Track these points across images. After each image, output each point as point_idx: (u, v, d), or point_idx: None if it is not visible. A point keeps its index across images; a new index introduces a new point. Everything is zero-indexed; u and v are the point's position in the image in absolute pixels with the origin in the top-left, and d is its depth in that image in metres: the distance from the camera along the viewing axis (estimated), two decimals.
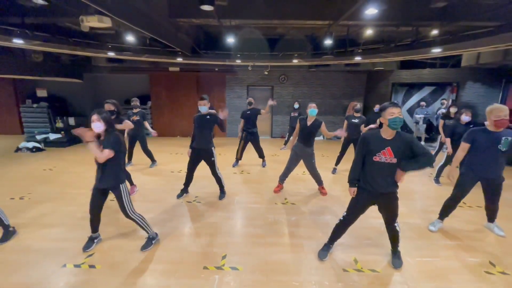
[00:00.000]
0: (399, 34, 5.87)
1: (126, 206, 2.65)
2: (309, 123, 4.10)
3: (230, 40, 5.45)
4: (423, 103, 8.51)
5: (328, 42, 4.87)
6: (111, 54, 6.23)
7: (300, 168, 5.62)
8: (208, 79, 9.58)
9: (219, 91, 9.71)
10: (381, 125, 2.32)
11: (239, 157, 5.93)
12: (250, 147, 5.97)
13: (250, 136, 5.72)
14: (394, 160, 2.25)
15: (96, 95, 9.86)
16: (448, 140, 4.50)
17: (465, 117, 4.41)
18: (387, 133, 2.26)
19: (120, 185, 2.61)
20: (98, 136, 2.50)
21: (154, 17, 4.35)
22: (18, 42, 4.71)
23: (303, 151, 4.22)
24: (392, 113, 2.18)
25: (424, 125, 8.48)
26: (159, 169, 5.77)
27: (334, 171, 5.59)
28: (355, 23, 5.32)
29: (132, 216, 2.70)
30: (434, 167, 5.20)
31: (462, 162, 3.06)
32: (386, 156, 2.25)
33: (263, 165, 5.96)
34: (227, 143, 8.50)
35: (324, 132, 4.13)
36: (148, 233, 2.85)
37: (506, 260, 2.72)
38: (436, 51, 4.73)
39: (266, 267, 2.57)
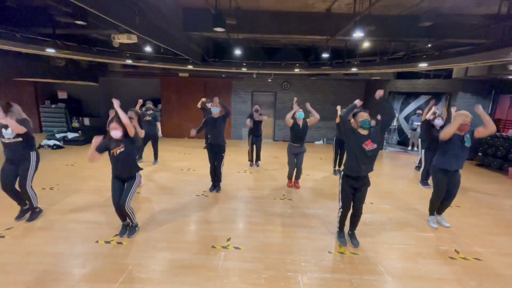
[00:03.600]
0: (394, 47, 6.37)
1: (129, 197, 2.98)
2: (300, 124, 4.69)
3: (237, 51, 6.00)
4: (419, 111, 8.96)
5: (326, 55, 5.38)
6: (128, 61, 6.83)
7: None
8: (215, 84, 10.16)
9: (225, 96, 10.28)
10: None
11: (250, 159, 6.50)
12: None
13: (256, 139, 6.29)
14: (375, 146, 2.83)
15: (110, 98, 10.46)
16: (419, 140, 5.14)
17: (438, 121, 4.95)
18: (362, 132, 2.86)
19: (136, 174, 3.07)
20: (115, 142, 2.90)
21: (170, 31, 4.92)
22: (50, 51, 5.32)
23: (299, 150, 4.81)
24: (362, 116, 2.81)
25: (420, 132, 8.91)
26: (170, 166, 6.31)
27: (335, 172, 6.04)
28: (350, 38, 5.84)
29: (128, 209, 3.00)
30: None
31: (431, 164, 3.59)
32: (368, 146, 2.82)
33: (257, 165, 6.51)
34: (232, 144, 9.03)
35: (312, 121, 4.75)
36: (133, 222, 3.20)
37: (469, 249, 3.18)
38: (423, 65, 5.22)
39: (263, 247, 3.07)
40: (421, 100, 9.46)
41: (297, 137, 4.77)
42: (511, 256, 3.08)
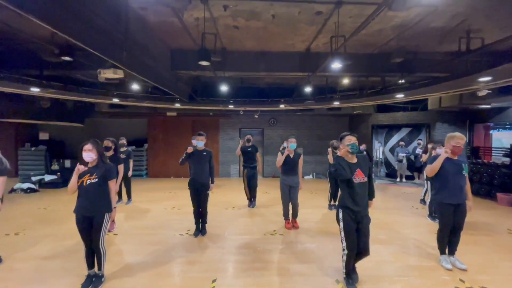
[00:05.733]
0: (371, 83, 6.82)
1: (102, 235, 2.65)
2: (291, 155, 4.55)
3: (224, 88, 6.21)
4: (402, 142, 9.25)
5: (308, 89, 5.63)
6: (115, 100, 6.89)
7: None
8: (203, 122, 10.28)
9: (213, 134, 10.34)
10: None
11: (249, 197, 5.92)
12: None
13: (251, 171, 5.82)
14: (365, 179, 2.65)
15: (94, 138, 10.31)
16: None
17: (439, 150, 4.91)
18: (350, 158, 2.67)
19: (106, 213, 2.68)
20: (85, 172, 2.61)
21: (158, 69, 5.08)
22: (35, 90, 5.30)
23: (293, 181, 4.53)
24: (350, 139, 2.65)
25: (406, 163, 9.07)
26: (153, 206, 5.94)
27: (330, 207, 5.75)
28: (330, 74, 6.23)
29: (102, 247, 2.67)
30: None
31: (434, 195, 3.29)
32: (359, 177, 2.62)
33: (253, 206, 5.92)
34: (221, 184, 8.76)
35: (300, 164, 4.59)
36: (102, 269, 2.74)
37: (475, 277, 2.95)
38: (400, 96, 5.53)
39: (254, 287, 2.73)
40: (403, 132, 9.83)
41: (289, 169, 4.56)
42: None
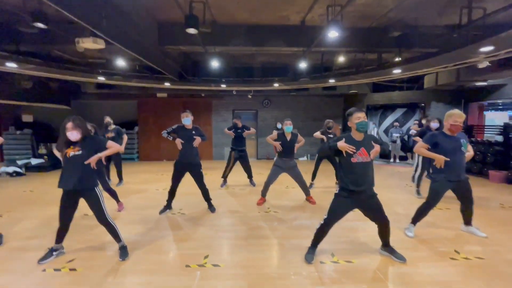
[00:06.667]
0: (367, 62, 6.62)
1: (104, 208, 2.61)
2: (288, 138, 4.40)
3: (215, 64, 5.93)
4: (396, 123, 9.20)
5: (304, 65, 5.41)
6: (101, 78, 6.54)
7: (284, 183, 5.84)
8: (195, 104, 9.99)
9: (206, 116, 10.10)
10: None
11: (225, 175, 5.83)
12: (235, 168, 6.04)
13: (239, 154, 5.67)
14: (369, 159, 2.47)
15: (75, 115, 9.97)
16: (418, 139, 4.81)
17: (434, 124, 4.81)
18: (357, 135, 2.50)
19: (95, 187, 2.59)
20: (70, 143, 2.49)
21: (144, 42, 4.77)
22: (11, 66, 4.95)
23: (288, 165, 4.42)
24: (359, 117, 2.44)
25: (400, 144, 9.07)
26: (144, 187, 5.80)
27: (311, 186, 5.73)
28: (326, 50, 5.99)
29: (110, 221, 2.65)
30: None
31: (431, 170, 3.21)
32: (362, 156, 2.45)
33: (253, 184, 5.87)
34: (214, 166, 8.63)
35: (301, 140, 4.46)
36: (121, 241, 2.73)
37: (468, 248, 2.95)
38: (397, 71, 5.37)
39: (247, 263, 2.66)
40: (398, 113, 9.75)
41: (286, 152, 4.41)
42: (509, 253, 2.87)
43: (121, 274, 2.46)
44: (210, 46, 5.65)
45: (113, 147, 2.68)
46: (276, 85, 7.65)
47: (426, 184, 3.98)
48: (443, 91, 8.22)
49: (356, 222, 3.60)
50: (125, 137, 5.65)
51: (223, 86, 7.84)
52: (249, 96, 9.43)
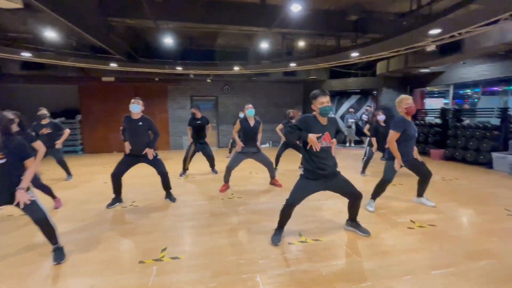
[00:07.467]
0: (326, 48, 6.70)
1: (43, 210, 2.18)
2: (251, 123, 4.20)
3: (168, 41, 5.37)
4: (351, 109, 9.68)
5: (265, 45, 5.20)
6: (26, 55, 5.46)
7: (247, 168, 5.68)
8: (148, 89, 9.14)
9: (161, 102, 9.34)
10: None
11: (187, 167, 5.46)
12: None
13: (201, 146, 5.29)
14: (331, 144, 2.42)
15: (7, 109, 8.39)
16: (374, 139, 5.12)
17: (380, 117, 5.12)
18: (321, 119, 2.41)
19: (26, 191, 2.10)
20: None
21: (80, 10, 4.03)
22: None
23: (252, 150, 4.26)
24: (322, 102, 2.35)
25: (355, 129, 9.59)
26: (94, 180, 5.11)
27: (274, 171, 5.67)
28: (287, 31, 5.86)
29: (49, 221, 2.20)
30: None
31: (386, 155, 3.34)
32: (326, 141, 2.39)
33: (215, 172, 5.57)
34: (172, 156, 8.06)
35: (260, 131, 4.33)
36: (57, 242, 2.29)
37: (421, 217, 3.14)
38: (355, 55, 5.52)
39: (210, 252, 2.42)
40: (353, 99, 10.25)
41: (249, 138, 4.22)
42: (454, 219, 3.16)
43: (62, 280, 2.02)
44: (162, 21, 5.07)
45: (37, 160, 2.19)
46: (236, 68, 7.33)
47: (377, 165, 4.24)
48: (393, 78, 8.84)
49: (321, 201, 3.61)
50: (67, 132, 4.91)
51: (179, 68, 7.25)
52: (208, 81, 8.93)
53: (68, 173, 5.19)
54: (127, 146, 3.50)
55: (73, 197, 4.06)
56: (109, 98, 8.90)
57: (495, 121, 6.24)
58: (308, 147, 2.40)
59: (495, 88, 8.67)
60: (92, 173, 5.76)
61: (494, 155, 5.58)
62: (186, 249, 2.48)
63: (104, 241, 2.65)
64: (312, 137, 2.31)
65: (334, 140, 2.46)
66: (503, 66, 6.31)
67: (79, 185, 4.84)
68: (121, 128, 3.62)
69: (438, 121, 7.56)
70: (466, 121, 6.97)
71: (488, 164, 5.71)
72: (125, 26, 5.82)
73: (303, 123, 2.40)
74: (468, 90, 9.91)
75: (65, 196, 4.03)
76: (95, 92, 8.78)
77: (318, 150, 2.32)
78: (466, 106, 8.96)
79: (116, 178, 3.53)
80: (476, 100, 9.14)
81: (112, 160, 7.24)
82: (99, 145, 8.89)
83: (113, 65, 6.58)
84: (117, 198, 3.66)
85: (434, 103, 10.85)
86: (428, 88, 9.20)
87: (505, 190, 4.22)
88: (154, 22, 4.94)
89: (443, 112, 7.31)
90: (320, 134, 2.35)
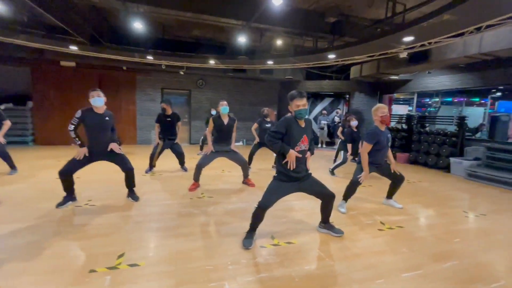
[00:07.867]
0: (304, 49, 6.70)
1: None
2: (225, 121, 4.00)
3: (138, 26, 4.95)
4: (324, 111, 9.91)
5: (242, 40, 5.01)
6: None
7: (219, 167, 5.46)
8: (114, 78, 8.45)
9: (129, 93, 8.69)
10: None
11: (154, 164, 5.08)
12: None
13: (170, 143, 4.99)
14: (307, 146, 2.42)
15: None
16: (349, 145, 5.23)
17: (353, 122, 5.27)
18: (299, 121, 2.36)
19: None
20: None
21: None
22: None
23: (225, 148, 4.07)
24: (298, 105, 2.28)
25: (327, 131, 9.82)
26: (39, 175, 4.52)
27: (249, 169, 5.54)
28: (265, 27, 5.74)
29: None
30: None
31: (358, 159, 3.37)
32: (304, 144, 2.37)
33: (185, 170, 5.26)
34: (138, 152, 7.54)
35: (234, 129, 4.18)
36: None
37: (390, 219, 3.20)
38: (332, 56, 5.57)
39: (175, 256, 2.20)
40: (326, 102, 10.49)
41: (222, 137, 4.02)
42: (419, 219, 3.28)
43: None
44: (132, 3, 4.64)
45: None
46: (212, 62, 7.04)
47: (348, 166, 4.32)
48: (365, 83, 9.17)
49: (293, 201, 3.54)
50: (7, 124, 4.32)
51: (150, 57, 6.77)
52: (181, 73, 8.47)
53: (12, 166, 4.55)
54: (83, 152, 3.06)
55: (16, 195, 3.54)
56: (68, 85, 8.06)
57: (451, 129, 6.75)
58: (283, 162, 2.35)
59: (450, 99, 9.46)
60: (42, 168, 5.12)
61: (452, 160, 6.00)
62: (147, 255, 2.22)
63: (49, 247, 2.28)
64: (292, 154, 2.28)
65: (309, 153, 2.50)
66: (462, 77, 6.82)
67: (24, 180, 4.25)
68: (74, 125, 3.01)
69: (404, 126, 7.99)
70: (427, 127, 7.45)
71: (447, 168, 6.13)
72: (89, 5, 5.27)
73: (283, 127, 2.32)
74: (428, 99, 10.70)
75: (5, 192, 3.50)
76: (52, 77, 7.89)
77: (294, 168, 2.32)
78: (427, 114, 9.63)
79: (66, 177, 3.10)
80: (434, 109, 9.86)
81: (68, 154, 6.57)
82: (53, 136, 8.00)
83: (74, 48, 5.92)
84: (70, 197, 3.24)
85: (400, 109, 11.55)
86: (395, 95, 9.71)
87: (461, 193, 4.53)
88: (123, 4, 4.51)
89: (409, 118, 7.73)
90: (300, 146, 2.36)
